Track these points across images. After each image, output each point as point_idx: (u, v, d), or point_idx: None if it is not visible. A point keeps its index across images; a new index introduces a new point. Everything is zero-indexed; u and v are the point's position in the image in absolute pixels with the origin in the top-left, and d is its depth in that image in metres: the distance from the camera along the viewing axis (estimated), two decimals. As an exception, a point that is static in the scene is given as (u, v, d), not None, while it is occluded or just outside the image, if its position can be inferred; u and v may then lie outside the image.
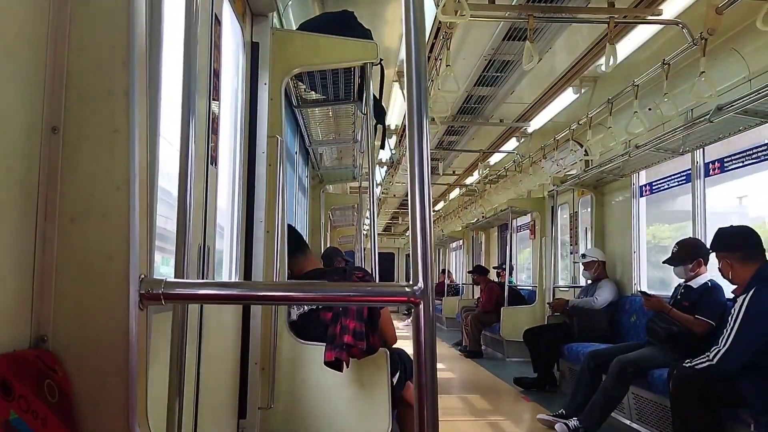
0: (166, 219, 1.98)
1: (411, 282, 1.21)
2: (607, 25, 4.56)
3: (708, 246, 4.12)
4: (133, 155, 1.28)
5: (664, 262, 5.08)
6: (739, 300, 3.73)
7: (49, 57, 1.30)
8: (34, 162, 1.27)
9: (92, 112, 1.30)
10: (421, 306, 1.20)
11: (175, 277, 1.52)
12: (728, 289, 4.77)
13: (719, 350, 3.69)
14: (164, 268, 2.15)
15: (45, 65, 1.29)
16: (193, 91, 1.60)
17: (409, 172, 1.23)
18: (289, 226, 3.72)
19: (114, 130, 1.29)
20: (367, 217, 13.67)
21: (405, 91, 1.24)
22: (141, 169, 1.30)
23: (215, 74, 2.54)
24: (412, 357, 4.00)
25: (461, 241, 16.22)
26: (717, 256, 4.05)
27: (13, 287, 1.22)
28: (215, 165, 2.59)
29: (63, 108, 1.30)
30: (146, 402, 1.31)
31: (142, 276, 1.28)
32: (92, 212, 1.30)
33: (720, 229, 4.09)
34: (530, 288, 10.26)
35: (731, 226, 4.04)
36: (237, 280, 2.99)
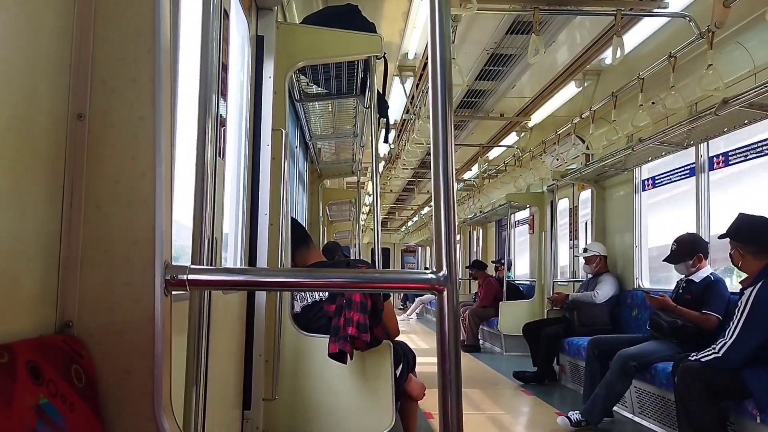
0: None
1: (435, 269, 1.21)
2: (613, 17, 4.57)
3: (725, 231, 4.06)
4: (159, 142, 1.28)
5: (664, 261, 5.07)
6: (746, 293, 3.72)
7: (74, 44, 1.30)
8: (60, 149, 1.27)
9: (117, 99, 1.30)
10: (445, 293, 1.20)
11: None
12: (730, 279, 4.77)
13: (725, 343, 3.68)
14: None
15: (70, 52, 1.29)
16: (210, 86, 1.60)
17: (432, 161, 1.23)
18: (293, 219, 3.72)
19: (139, 118, 1.30)
20: (363, 213, 13.65)
21: (430, 83, 1.24)
22: (165, 157, 1.30)
23: (224, 68, 2.54)
24: (413, 350, 3.97)
25: (458, 237, 16.22)
26: (731, 243, 4.01)
27: (39, 273, 1.22)
28: (223, 157, 2.59)
29: (88, 95, 1.30)
30: (170, 388, 1.31)
31: (167, 262, 1.28)
32: (117, 199, 1.30)
33: (741, 215, 4.02)
34: (528, 282, 10.26)
35: (753, 215, 3.99)
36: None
